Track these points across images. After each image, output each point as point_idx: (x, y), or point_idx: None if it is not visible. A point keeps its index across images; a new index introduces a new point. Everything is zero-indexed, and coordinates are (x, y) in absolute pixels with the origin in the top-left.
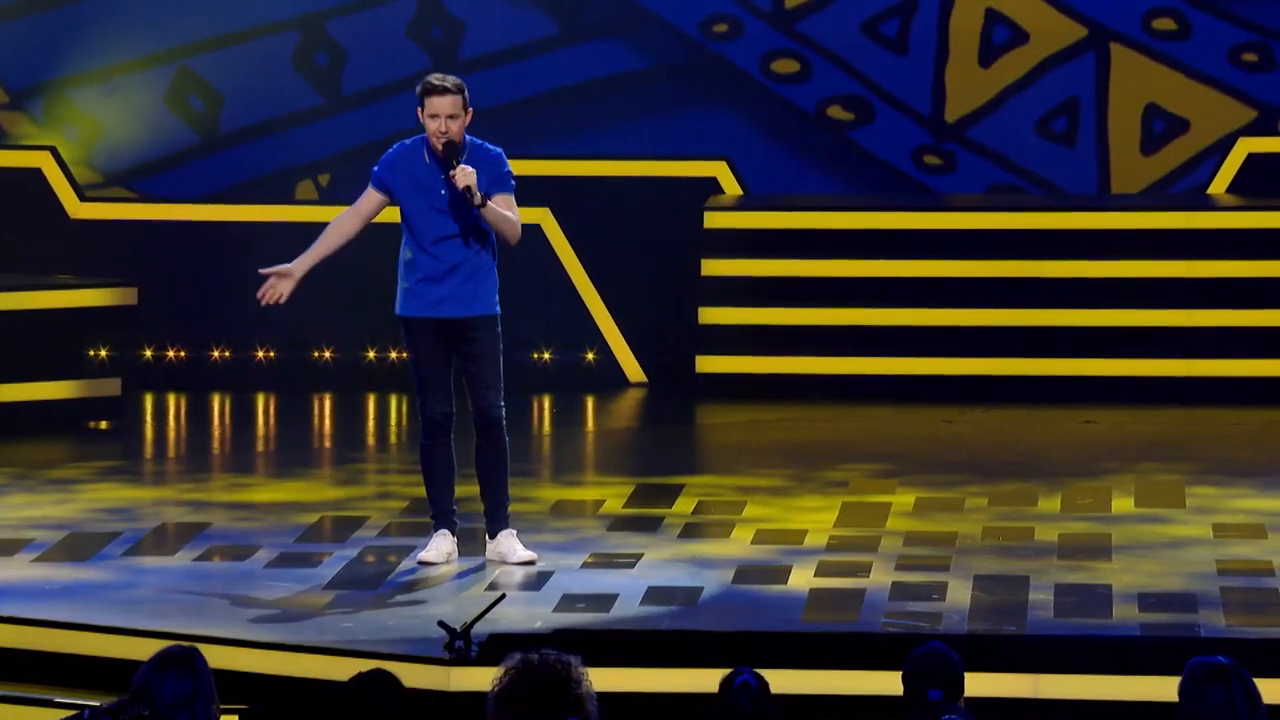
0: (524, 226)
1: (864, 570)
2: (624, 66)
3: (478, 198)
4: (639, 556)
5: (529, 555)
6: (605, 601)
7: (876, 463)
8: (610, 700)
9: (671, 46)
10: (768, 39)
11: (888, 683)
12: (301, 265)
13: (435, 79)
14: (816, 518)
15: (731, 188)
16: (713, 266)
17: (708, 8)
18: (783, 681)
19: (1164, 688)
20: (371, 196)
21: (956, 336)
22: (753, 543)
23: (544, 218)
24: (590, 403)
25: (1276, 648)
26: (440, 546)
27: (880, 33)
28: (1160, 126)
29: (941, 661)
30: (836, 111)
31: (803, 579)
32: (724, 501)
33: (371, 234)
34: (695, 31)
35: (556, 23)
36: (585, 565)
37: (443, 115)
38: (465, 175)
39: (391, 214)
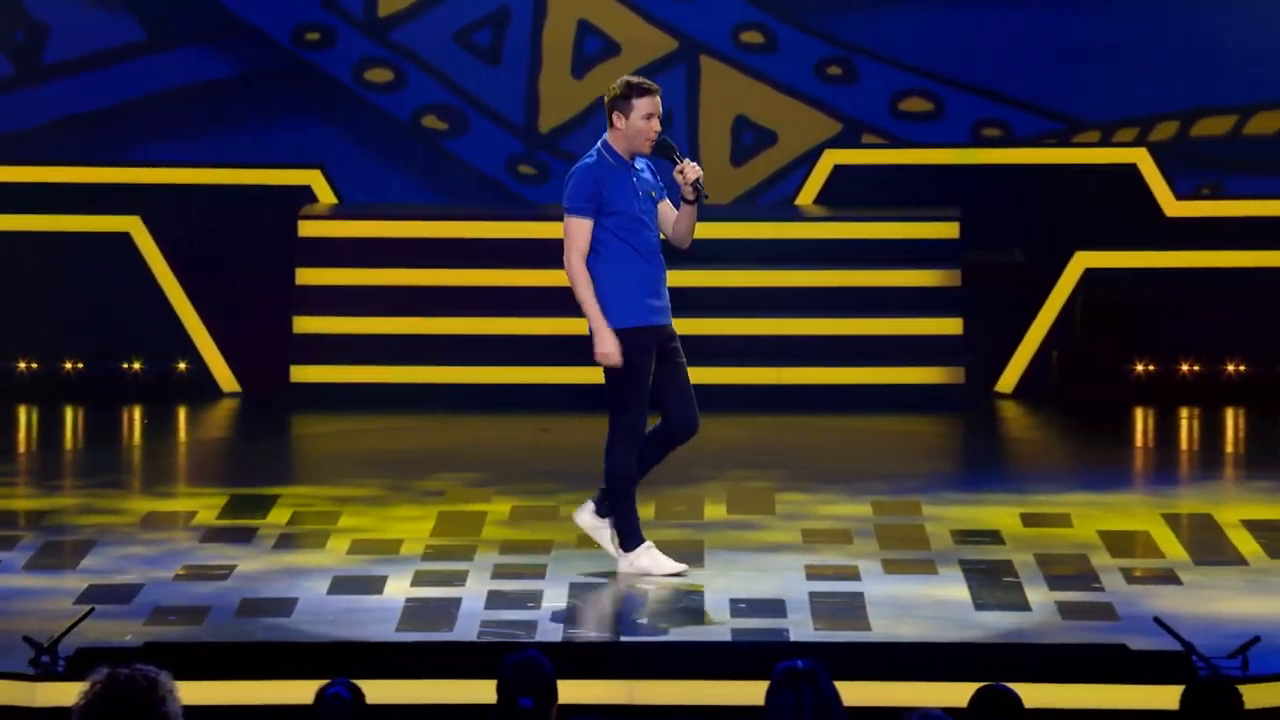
0: (112, 235)
1: (460, 579)
2: (215, 73)
3: (705, 191)
4: (233, 568)
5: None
6: (198, 614)
7: (472, 471)
8: (202, 714)
9: (263, 54)
10: (361, 47)
11: (483, 691)
12: (609, 331)
13: (639, 80)
14: (413, 527)
15: (326, 196)
16: (307, 275)
17: (299, 16)
18: (378, 692)
19: (754, 692)
20: (587, 229)
21: (551, 345)
22: (348, 553)
23: (134, 226)
24: (183, 413)
25: (861, 650)
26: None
27: (473, 42)
28: (749, 138)
29: (533, 669)
30: (431, 121)
31: (399, 588)
32: (319, 511)
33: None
34: (287, 40)
35: (144, 28)
36: (177, 577)
37: (657, 114)
38: (695, 168)
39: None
